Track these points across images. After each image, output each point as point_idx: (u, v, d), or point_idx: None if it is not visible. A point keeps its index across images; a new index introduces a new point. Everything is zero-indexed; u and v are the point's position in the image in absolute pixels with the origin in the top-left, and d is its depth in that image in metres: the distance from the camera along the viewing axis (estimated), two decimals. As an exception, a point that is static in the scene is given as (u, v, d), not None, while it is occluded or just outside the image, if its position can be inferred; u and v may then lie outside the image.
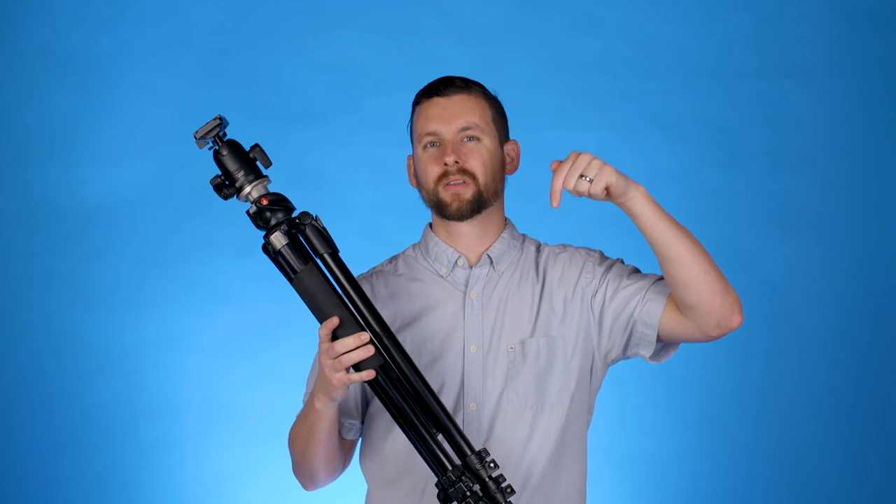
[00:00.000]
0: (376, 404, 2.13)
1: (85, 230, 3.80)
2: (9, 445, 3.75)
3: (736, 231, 3.96)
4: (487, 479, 1.89)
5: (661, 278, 2.09)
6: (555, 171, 1.92)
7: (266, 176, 1.93)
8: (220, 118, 1.91)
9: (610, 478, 3.81)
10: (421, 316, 2.12)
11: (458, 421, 2.06)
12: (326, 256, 1.93)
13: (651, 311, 2.06)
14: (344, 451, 2.15)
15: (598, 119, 3.96)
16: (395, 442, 2.10)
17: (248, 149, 1.93)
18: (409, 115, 2.18)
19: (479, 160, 2.10)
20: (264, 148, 1.96)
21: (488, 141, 2.12)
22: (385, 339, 1.92)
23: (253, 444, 3.78)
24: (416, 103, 2.17)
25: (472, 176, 2.09)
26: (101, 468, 3.76)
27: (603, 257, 2.17)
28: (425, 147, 2.12)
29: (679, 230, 1.97)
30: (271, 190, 1.93)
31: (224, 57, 3.87)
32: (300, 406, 2.16)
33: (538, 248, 2.19)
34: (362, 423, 2.16)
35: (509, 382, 2.08)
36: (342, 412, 2.13)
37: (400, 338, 2.05)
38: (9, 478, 3.74)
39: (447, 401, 2.07)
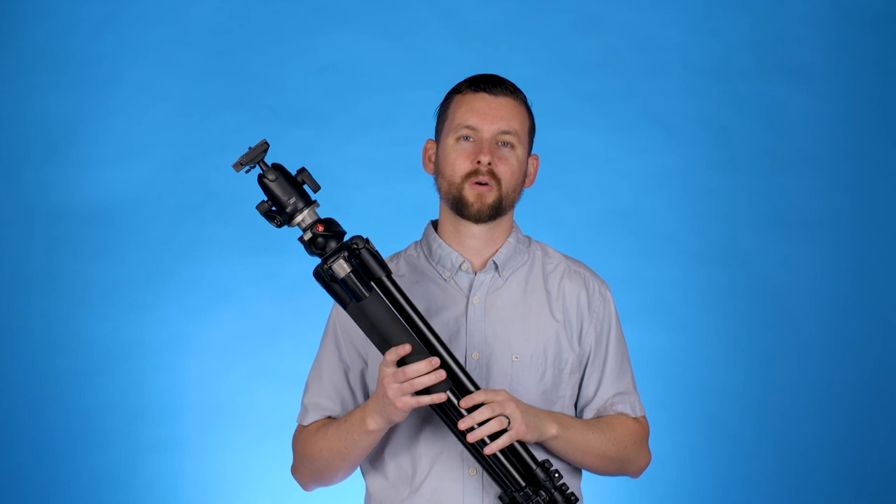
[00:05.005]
0: None
1: (85, 230, 3.79)
2: (8, 445, 3.75)
3: (736, 231, 3.96)
4: (554, 490, 1.93)
5: (623, 393, 2.17)
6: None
7: (315, 201, 1.91)
8: (266, 142, 1.87)
9: (609, 477, 3.80)
10: (423, 320, 2.11)
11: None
12: (384, 279, 1.92)
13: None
14: None
15: (598, 119, 3.95)
16: (396, 452, 2.08)
17: (293, 172, 1.90)
18: (443, 101, 2.13)
19: (508, 168, 2.07)
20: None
21: (520, 151, 2.09)
22: (450, 361, 1.93)
23: (253, 444, 3.78)
24: (456, 91, 2.11)
25: (498, 182, 2.06)
26: (101, 468, 3.75)
27: (612, 314, 2.15)
28: (458, 139, 2.07)
29: (587, 449, 2.07)
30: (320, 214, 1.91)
31: (224, 57, 3.87)
32: (298, 409, 2.15)
33: (546, 254, 2.17)
34: None
35: (512, 394, 2.04)
36: None
37: None
38: (8, 478, 3.73)
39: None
